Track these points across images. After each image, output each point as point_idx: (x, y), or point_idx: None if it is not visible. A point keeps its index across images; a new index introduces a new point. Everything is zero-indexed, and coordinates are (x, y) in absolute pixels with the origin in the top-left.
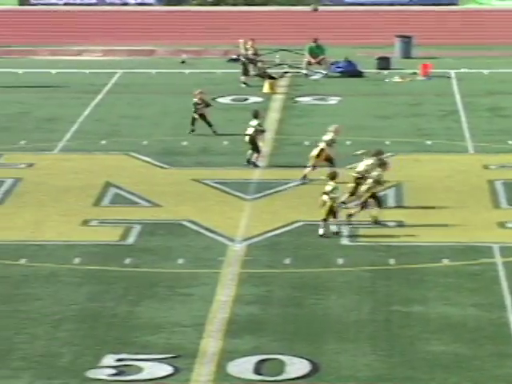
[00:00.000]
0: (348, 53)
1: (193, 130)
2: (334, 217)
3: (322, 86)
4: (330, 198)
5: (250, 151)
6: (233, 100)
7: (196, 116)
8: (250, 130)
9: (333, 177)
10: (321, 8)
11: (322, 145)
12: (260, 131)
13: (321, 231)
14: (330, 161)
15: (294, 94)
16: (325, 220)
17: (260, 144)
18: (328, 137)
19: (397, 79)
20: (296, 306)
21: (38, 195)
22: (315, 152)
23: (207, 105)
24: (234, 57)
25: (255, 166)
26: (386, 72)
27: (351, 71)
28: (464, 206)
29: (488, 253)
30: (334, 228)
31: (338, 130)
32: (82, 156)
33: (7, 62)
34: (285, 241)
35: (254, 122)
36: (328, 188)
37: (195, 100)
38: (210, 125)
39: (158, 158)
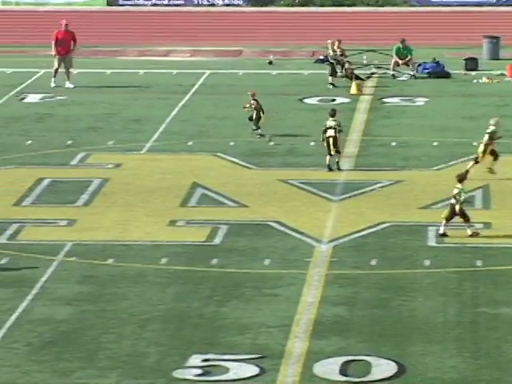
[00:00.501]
0: (435, 54)
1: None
2: (466, 220)
3: (409, 86)
4: (456, 201)
5: (328, 156)
6: (320, 101)
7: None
8: (331, 132)
9: (461, 179)
10: (408, 9)
11: (485, 139)
12: (339, 131)
13: (441, 230)
14: (494, 155)
15: (381, 94)
16: (446, 220)
17: (339, 145)
18: (489, 130)
19: (484, 80)
20: (382, 307)
21: (126, 195)
22: (481, 148)
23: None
24: (322, 57)
25: (339, 169)
26: (473, 73)
27: (439, 72)
28: None
29: None
30: (442, 229)
31: (498, 122)
32: (169, 156)
33: (95, 63)
34: (371, 242)
35: (332, 123)
36: (455, 191)
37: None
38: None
39: (244, 158)
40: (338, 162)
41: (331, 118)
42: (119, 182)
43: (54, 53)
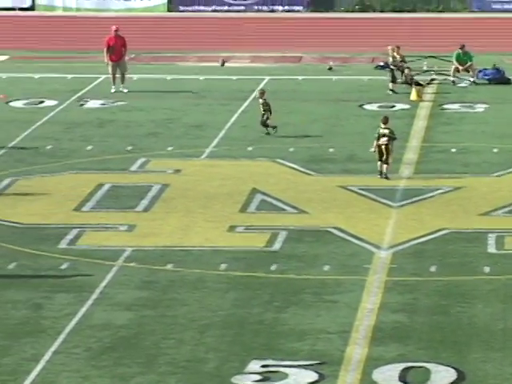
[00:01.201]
0: (496, 60)
1: (274, 127)
2: None
3: (469, 93)
4: None
5: (379, 162)
6: (380, 107)
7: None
8: (384, 139)
9: None
10: (469, 15)
11: None
12: (392, 139)
13: None
14: None
15: (441, 101)
16: None
17: (390, 155)
18: None
19: None
20: (442, 314)
21: (185, 201)
22: None
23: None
24: (382, 64)
25: (386, 178)
26: None
27: (499, 78)
28: None
29: None
30: None
31: None
32: (228, 162)
33: (155, 68)
34: (430, 248)
35: (385, 130)
36: None
37: (261, 101)
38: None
39: (304, 164)
40: (385, 173)
41: (384, 126)
42: (179, 187)
43: (106, 60)
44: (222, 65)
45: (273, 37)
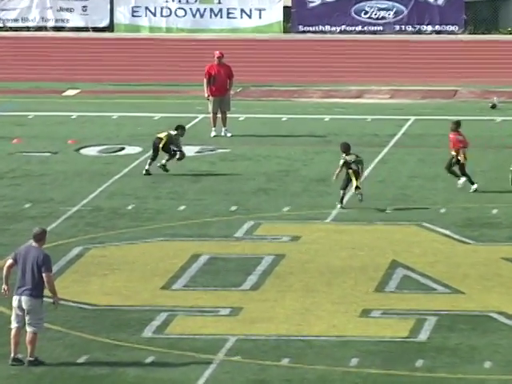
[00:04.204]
0: None
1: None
2: None
3: None
4: None
5: None
6: None
7: None
8: None
9: None
10: None
11: None
12: None
13: None
14: None
15: None
16: None
17: None
18: None
19: None
20: None
21: (305, 277)
22: None
23: None
24: None
25: None
26: None
27: None
28: None
29: None
30: None
31: None
32: (360, 227)
33: (267, 106)
34: None
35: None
36: None
37: None
38: None
39: (459, 230)
40: None
41: None
42: (297, 259)
43: (207, 94)
44: (494, 107)
45: (419, 65)
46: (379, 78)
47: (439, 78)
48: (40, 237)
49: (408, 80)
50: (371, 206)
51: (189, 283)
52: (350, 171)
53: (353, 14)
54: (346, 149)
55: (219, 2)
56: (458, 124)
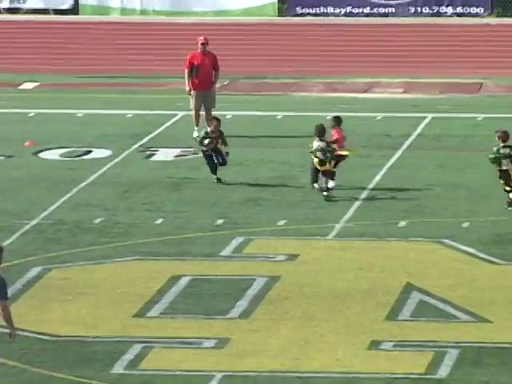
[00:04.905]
0: None
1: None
2: None
3: None
4: None
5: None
6: None
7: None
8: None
9: None
10: None
11: None
12: None
13: None
14: None
15: None
16: None
17: None
18: None
19: None
20: None
21: (304, 302)
22: None
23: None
24: None
25: None
26: None
27: None
28: None
29: None
30: None
31: None
32: (368, 244)
33: (259, 101)
34: None
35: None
36: None
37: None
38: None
39: (485, 247)
40: None
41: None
42: (294, 282)
43: (188, 88)
44: None
45: (437, 54)
46: (391, 69)
47: (461, 69)
48: None
49: (424, 71)
50: (381, 219)
51: (167, 310)
52: (316, 160)
53: None
54: (320, 132)
55: None
56: None
